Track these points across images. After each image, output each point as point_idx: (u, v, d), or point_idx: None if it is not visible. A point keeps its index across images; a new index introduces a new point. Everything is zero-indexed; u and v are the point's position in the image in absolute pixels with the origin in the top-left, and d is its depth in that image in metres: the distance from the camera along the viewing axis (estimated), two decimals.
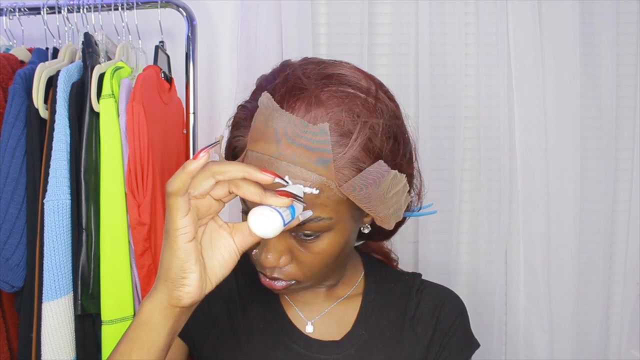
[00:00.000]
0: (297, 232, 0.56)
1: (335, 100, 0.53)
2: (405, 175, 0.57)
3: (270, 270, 0.59)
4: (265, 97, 0.53)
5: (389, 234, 0.69)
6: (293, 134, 0.51)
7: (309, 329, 0.69)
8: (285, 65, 0.58)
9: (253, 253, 0.59)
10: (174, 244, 0.47)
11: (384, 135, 0.55)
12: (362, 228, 0.64)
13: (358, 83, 0.56)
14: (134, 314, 1.00)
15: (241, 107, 0.59)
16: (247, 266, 0.74)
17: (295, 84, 0.54)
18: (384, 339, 0.69)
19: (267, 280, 0.60)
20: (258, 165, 0.52)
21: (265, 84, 0.57)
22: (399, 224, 0.65)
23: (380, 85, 0.58)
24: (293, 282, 0.60)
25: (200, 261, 0.48)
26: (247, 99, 0.59)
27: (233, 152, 0.59)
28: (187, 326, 0.69)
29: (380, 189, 0.54)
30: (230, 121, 0.61)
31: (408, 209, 0.63)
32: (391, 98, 0.59)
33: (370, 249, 0.79)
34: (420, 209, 0.66)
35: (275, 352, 0.67)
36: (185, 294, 0.48)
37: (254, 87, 0.60)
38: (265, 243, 0.57)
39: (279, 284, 0.60)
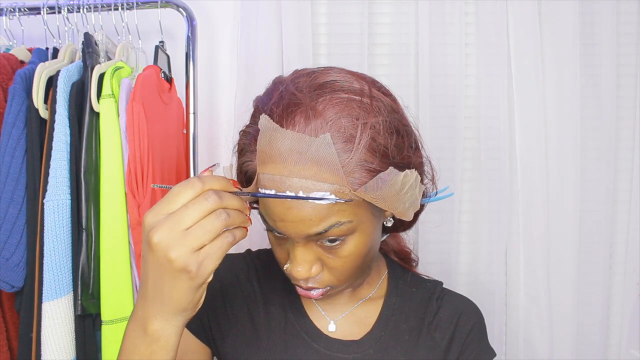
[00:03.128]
0: (321, 240, 0.56)
1: (332, 108, 0.53)
2: (415, 169, 0.58)
3: (304, 281, 0.60)
4: (264, 119, 0.53)
5: (411, 223, 0.70)
6: (298, 150, 0.52)
7: (331, 328, 0.70)
8: (278, 83, 0.59)
9: (285, 267, 0.60)
10: (204, 283, 0.49)
11: (386, 132, 0.55)
12: (384, 222, 0.64)
13: (350, 86, 0.56)
14: None
15: (243, 133, 0.59)
16: (270, 267, 0.74)
17: (290, 100, 0.54)
18: (402, 341, 0.69)
19: (303, 290, 0.61)
20: (271, 185, 0.53)
21: (261, 105, 0.57)
22: (418, 213, 0.66)
23: (372, 83, 0.59)
24: (328, 288, 0.61)
25: None
26: (247, 123, 0.60)
27: (245, 177, 0.59)
28: (207, 328, 0.71)
29: (394, 189, 0.55)
30: (235, 148, 0.62)
31: (425, 195, 0.63)
32: (386, 93, 0.59)
33: (390, 248, 0.80)
34: (436, 193, 0.67)
35: (296, 350, 0.68)
36: (198, 308, 0.52)
37: (252, 110, 0.60)
38: (293, 257, 0.58)
39: (315, 293, 0.61)
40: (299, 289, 0.62)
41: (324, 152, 0.52)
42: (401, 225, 0.69)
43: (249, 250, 0.79)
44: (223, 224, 0.47)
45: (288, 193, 0.53)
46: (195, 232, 0.46)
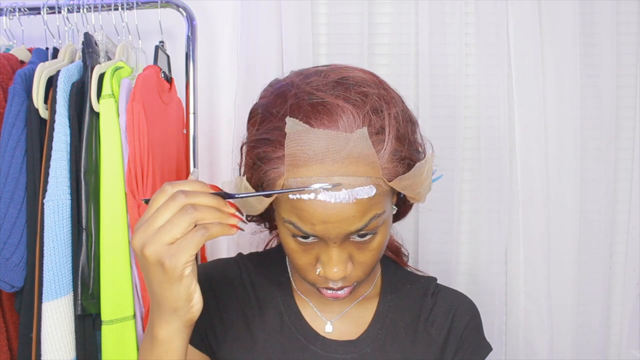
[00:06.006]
0: (354, 236, 0.56)
1: (357, 103, 0.54)
2: (432, 152, 0.61)
3: (335, 282, 0.59)
4: (292, 121, 0.52)
5: (407, 213, 0.70)
6: (335, 148, 0.52)
7: (328, 329, 0.70)
8: (286, 86, 0.57)
9: (318, 272, 0.59)
10: (181, 277, 0.50)
11: (404, 120, 0.57)
12: None
13: (364, 79, 0.57)
14: (134, 315, 1.00)
15: (258, 141, 0.56)
16: (263, 270, 0.74)
17: (312, 99, 0.54)
18: (399, 339, 0.69)
19: (332, 292, 0.61)
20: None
21: (274, 110, 0.55)
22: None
23: (377, 76, 0.60)
24: (354, 284, 0.61)
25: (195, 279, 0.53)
26: (253, 132, 0.57)
27: (262, 187, 0.57)
28: (204, 335, 0.71)
29: (422, 176, 0.57)
30: (243, 161, 0.60)
31: None
32: (389, 84, 0.61)
33: None
34: None
35: (293, 352, 0.68)
36: (196, 311, 0.53)
37: (259, 116, 0.57)
38: (328, 259, 0.57)
39: (344, 292, 0.61)
40: (326, 292, 0.61)
41: (362, 147, 0.52)
42: (399, 214, 0.69)
43: (240, 254, 0.78)
44: (190, 216, 0.49)
45: (327, 193, 0.52)
46: (165, 228, 0.49)
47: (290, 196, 0.53)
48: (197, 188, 0.51)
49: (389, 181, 0.54)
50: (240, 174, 0.62)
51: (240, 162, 0.63)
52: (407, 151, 0.56)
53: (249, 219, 0.67)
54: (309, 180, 0.52)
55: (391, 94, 0.57)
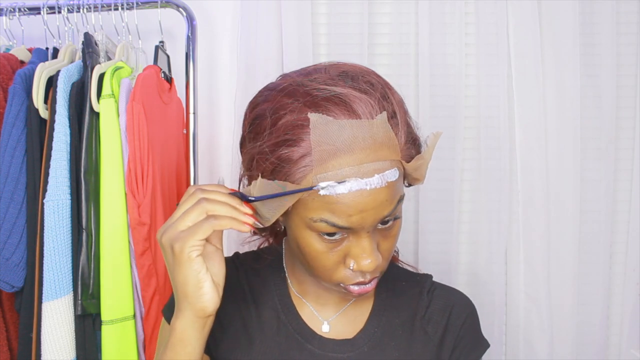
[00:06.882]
0: (379, 224, 0.57)
1: (369, 92, 0.55)
2: (437, 131, 0.62)
3: (365, 275, 0.59)
4: (315, 116, 0.52)
5: None
6: (362, 136, 0.53)
7: (325, 328, 0.70)
8: (291, 85, 0.56)
9: (351, 267, 0.58)
10: (188, 259, 0.54)
11: (403, 105, 0.59)
12: None
13: (363, 70, 0.58)
14: (134, 315, 1.00)
15: (277, 144, 0.54)
16: (259, 270, 0.74)
17: (325, 94, 0.54)
18: (395, 337, 0.69)
19: (361, 287, 0.60)
20: (339, 180, 0.52)
21: (283, 112, 0.54)
22: None
23: (367, 67, 0.61)
24: (379, 274, 0.61)
25: (208, 270, 0.56)
26: (267, 136, 0.55)
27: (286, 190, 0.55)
28: None
29: (431, 152, 0.60)
30: (251, 168, 0.58)
31: None
32: None
33: None
34: None
35: (290, 352, 0.68)
36: (207, 302, 0.56)
37: (269, 120, 0.55)
38: (361, 251, 0.57)
39: (372, 284, 0.61)
40: (354, 289, 0.60)
41: (384, 131, 0.54)
42: None
43: (237, 253, 0.78)
44: (201, 207, 0.54)
45: (362, 180, 0.52)
46: (180, 218, 0.55)
47: (322, 192, 0.53)
48: (215, 189, 0.57)
49: (407, 162, 0.56)
50: (240, 187, 0.62)
51: (242, 174, 0.62)
52: (414, 132, 0.59)
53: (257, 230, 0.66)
54: (341, 171, 0.52)
55: (387, 81, 0.60)
